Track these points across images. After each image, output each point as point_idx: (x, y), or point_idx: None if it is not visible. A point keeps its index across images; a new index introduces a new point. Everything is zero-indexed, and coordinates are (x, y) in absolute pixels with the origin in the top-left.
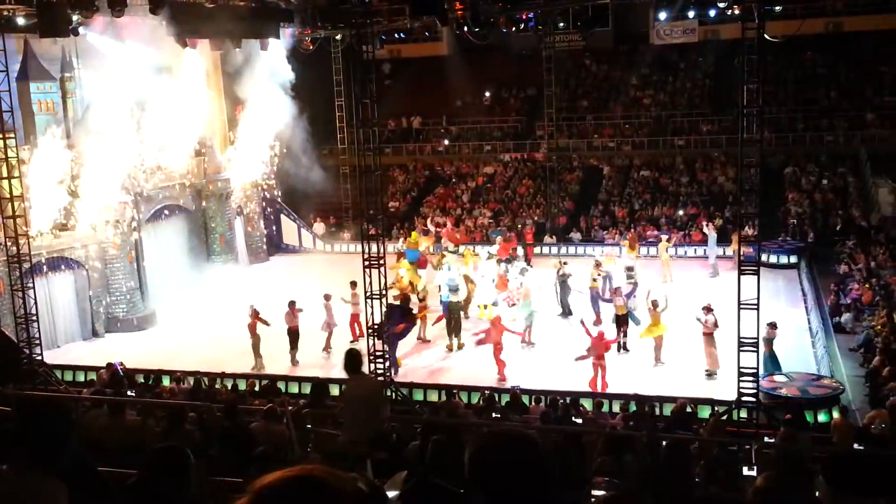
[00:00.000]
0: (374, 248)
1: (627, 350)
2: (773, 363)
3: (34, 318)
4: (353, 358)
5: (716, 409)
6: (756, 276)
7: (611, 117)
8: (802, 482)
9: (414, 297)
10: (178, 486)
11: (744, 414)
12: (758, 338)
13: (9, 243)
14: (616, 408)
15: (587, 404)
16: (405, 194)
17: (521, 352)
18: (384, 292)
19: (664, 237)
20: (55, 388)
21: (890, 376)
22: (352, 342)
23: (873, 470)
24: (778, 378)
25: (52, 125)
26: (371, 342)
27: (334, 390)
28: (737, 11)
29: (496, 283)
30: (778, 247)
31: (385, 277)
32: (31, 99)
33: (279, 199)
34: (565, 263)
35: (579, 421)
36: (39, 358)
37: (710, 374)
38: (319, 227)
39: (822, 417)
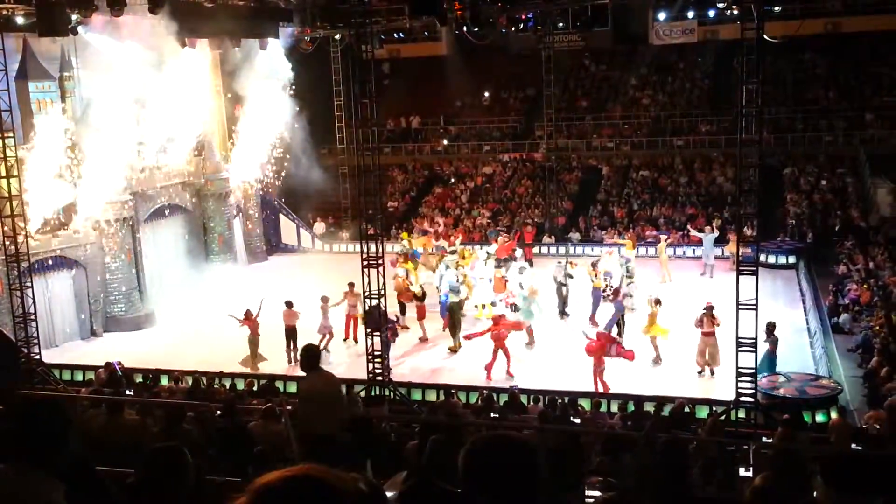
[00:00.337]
0: (372, 247)
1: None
2: (770, 364)
3: (33, 317)
4: (310, 355)
5: (714, 409)
6: (754, 277)
7: (610, 117)
8: (800, 482)
9: (416, 290)
10: (176, 485)
11: (742, 414)
12: (756, 338)
13: (7, 242)
14: (614, 408)
15: (585, 404)
16: (404, 194)
17: (520, 352)
18: (383, 292)
19: (663, 237)
20: (53, 388)
21: (888, 377)
22: (344, 340)
23: (871, 470)
24: (776, 378)
25: (51, 123)
26: (369, 342)
27: None
28: (736, 12)
29: (493, 283)
30: (776, 247)
31: (384, 277)
32: (29, 98)
33: (278, 199)
34: (574, 265)
35: (577, 421)
36: (38, 357)
37: (701, 372)
38: (320, 226)
39: (820, 418)
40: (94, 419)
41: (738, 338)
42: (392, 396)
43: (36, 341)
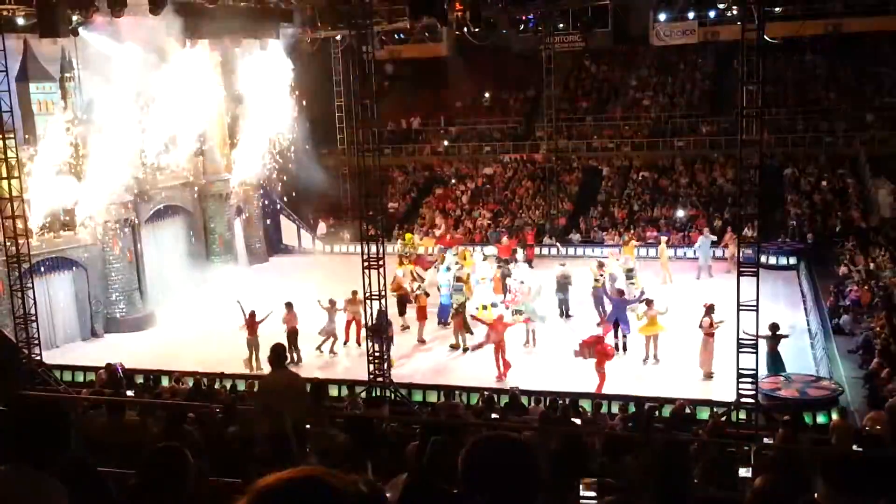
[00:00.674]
0: (373, 248)
1: (626, 350)
2: (775, 365)
3: (33, 318)
4: (276, 353)
5: (715, 410)
6: (755, 278)
7: (610, 118)
8: (801, 483)
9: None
10: (177, 486)
11: (743, 415)
12: (757, 339)
13: (8, 243)
14: (615, 409)
15: (586, 405)
16: (405, 195)
17: (520, 353)
18: (383, 293)
19: (663, 238)
20: (54, 389)
21: (889, 378)
22: (345, 344)
23: (872, 471)
24: (777, 379)
25: (52, 124)
26: (368, 344)
27: (333, 391)
28: (736, 12)
29: (493, 284)
30: (777, 248)
31: (384, 279)
32: (30, 99)
33: (279, 200)
34: (563, 265)
35: (578, 422)
36: (38, 358)
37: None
38: (322, 227)
39: (821, 419)
40: (94, 420)
41: (738, 339)
42: (393, 398)
43: (37, 342)
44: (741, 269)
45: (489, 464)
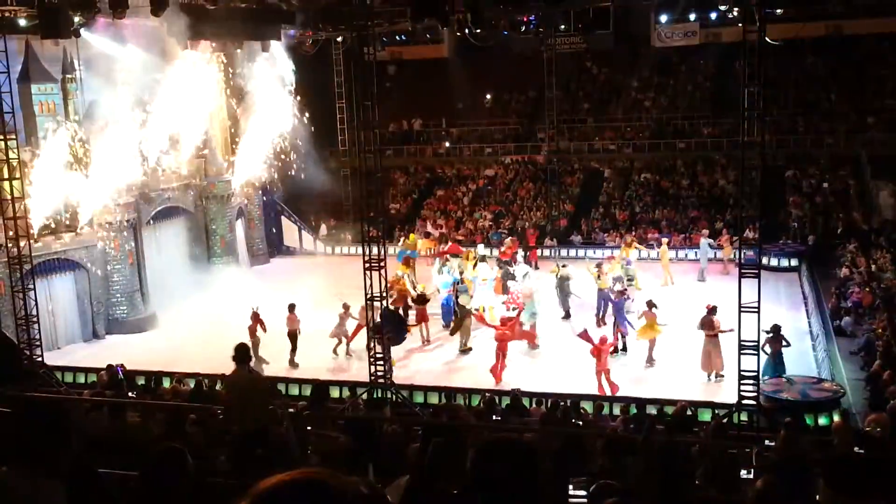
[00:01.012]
0: (374, 250)
1: (626, 351)
2: (776, 366)
3: (35, 319)
4: (239, 351)
5: (716, 412)
6: (757, 280)
7: (611, 120)
8: (803, 485)
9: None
10: (177, 486)
11: (744, 417)
12: (758, 341)
13: (9, 244)
14: (616, 410)
15: (588, 407)
16: (406, 196)
17: (522, 354)
18: (384, 295)
19: (664, 240)
20: (55, 390)
21: (890, 380)
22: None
23: (874, 473)
24: (779, 381)
25: (54, 126)
26: (370, 345)
27: (334, 392)
28: (737, 14)
29: (494, 284)
30: (779, 250)
31: (385, 280)
32: (32, 100)
33: (280, 201)
34: (564, 266)
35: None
36: (40, 359)
37: (711, 377)
38: (323, 228)
39: (822, 421)
40: (96, 421)
41: (740, 341)
42: (394, 399)
43: (38, 343)
44: (742, 271)
45: (497, 466)
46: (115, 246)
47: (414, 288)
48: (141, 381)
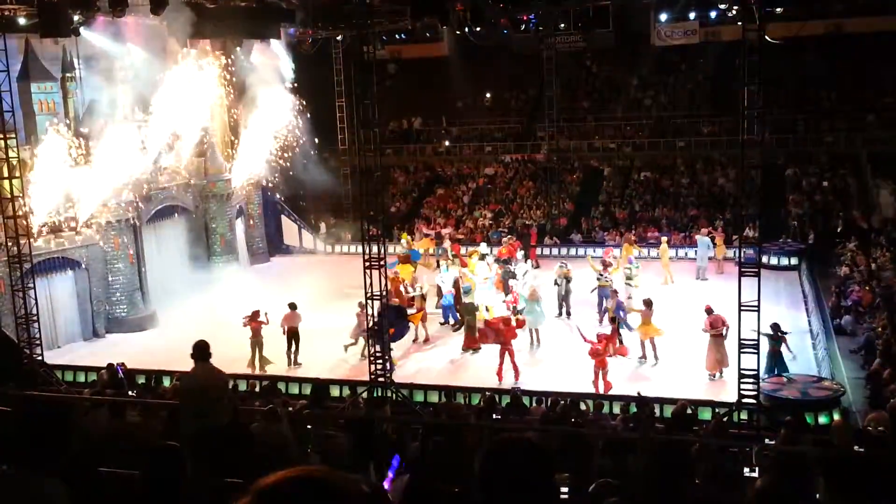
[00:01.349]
0: (374, 249)
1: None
2: (777, 365)
3: (35, 318)
4: (199, 348)
5: (717, 410)
6: (757, 278)
7: (611, 118)
8: (803, 484)
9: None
10: (174, 485)
11: (744, 416)
12: (758, 340)
13: (9, 243)
14: (616, 409)
15: (588, 406)
16: (406, 195)
17: (522, 354)
18: (384, 293)
19: (664, 238)
20: (56, 389)
21: (890, 378)
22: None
23: (874, 472)
24: (779, 380)
25: (54, 124)
26: (369, 344)
27: (335, 391)
28: (736, 12)
29: (494, 284)
30: (779, 248)
31: (385, 279)
32: (31, 99)
33: (280, 200)
34: (563, 265)
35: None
36: (40, 358)
37: (716, 376)
38: (323, 227)
39: (822, 419)
40: (96, 420)
41: (740, 339)
42: (394, 398)
43: (38, 342)
44: (742, 270)
45: (509, 468)
46: (115, 245)
47: (409, 289)
48: (141, 379)
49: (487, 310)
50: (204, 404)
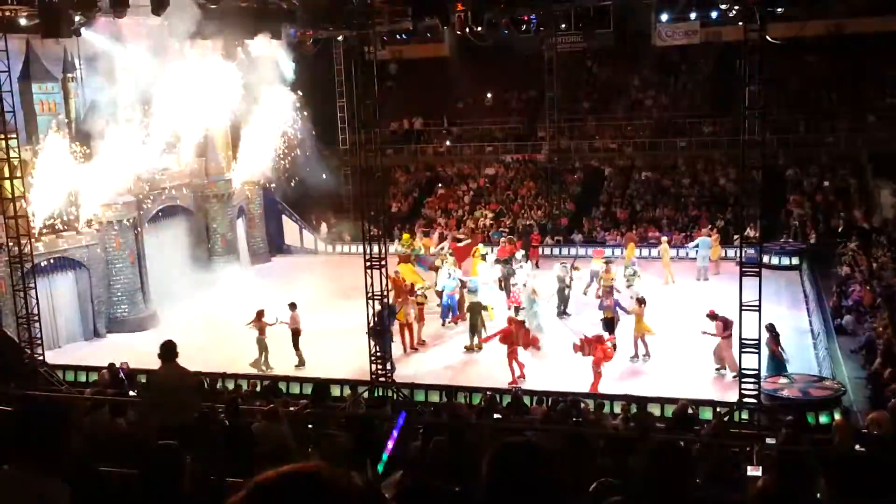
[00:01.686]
0: (375, 248)
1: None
2: (776, 365)
3: (36, 318)
4: (165, 348)
5: (717, 410)
6: (757, 278)
7: (612, 119)
8: (804, 484)
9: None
10: (172, 484)
11: (745, 415)
12: (759, 339)
13: (10, 243)
14: (617, 409)
15: (588, 405)
16: (407, 195)
17: (522, 354)
18: (385, 293)
19: (664, 238)
20: (56, 389)
21: (891, 378)
22: (405, 352)
23: (875, 472)
24: (779, 380)
25: (55, 125)
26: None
27: (335, 391)
28: (736, 11)
29: (495, 285)
30: (780, 248)
31: (386, 278)
32: (32, 99)
33: (281, 200)
34: (564, 264)
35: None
36: (41, 358)
37: (724, 371)
38: (324, 227)
39: (823, 419)
40: (97, 420)
41: (741, 339)
42: (395, 398)
43: (39, 342)
44: (743, 270)
45: (516, 472)
46: (116, 245)
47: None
48: (142, 379)
49: (486, 309)
50: (173, 402)
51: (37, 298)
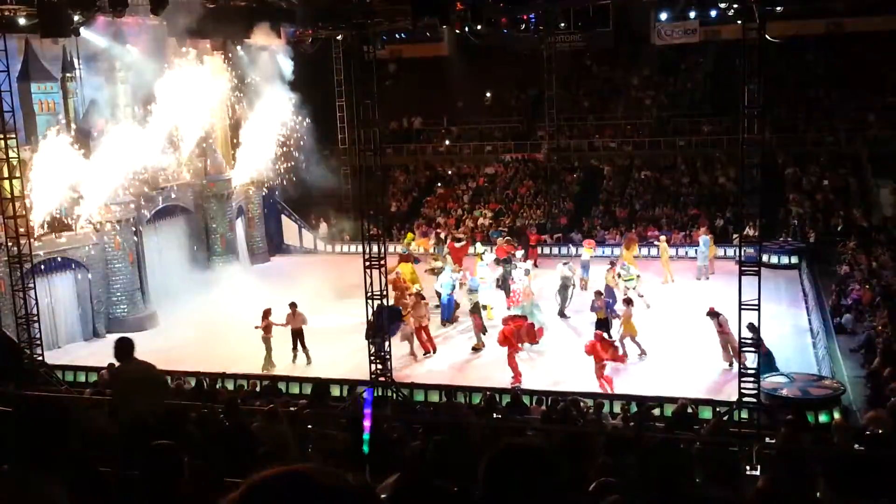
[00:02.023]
0: (374, 248)
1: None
2: (769, 364)
3: (35, 318)
4: (119, 346)
5: (717, 409)
6: (757, 277)
7: (612, 118)
8: (803, 483)
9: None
10: (171, 483)
11: (745, 415)
12: (758, 339)
13: (10, 243)
14: (616, 408)
15: (588, 405)
16: (406, 195)
17: (521, 353)
18: (384, 293)
19: (663, 237)
20: (56, 389)
21: (891, 377)
22: (425, 355)
23: (874, 471)
24: (779, 379)
25: (54, 124)
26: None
27: (335, 391)
28: (735, 10)
29: (493, 285)
30: (779, 247)
31: (385, 278)
32: (31, 99)
33: (280, 200)
34: (566, 264)
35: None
36: (40, 358)
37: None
38: (323, 227)
39: (823, 418)
40: (96, 420)
41: (740, 338)
42: (394, 397)
43: (38, 342)
44: (743, 269)
45: (514, 472)
46: (116, 245)
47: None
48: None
49: (485, 308)
50: (139, 397)
51: (36, 298)
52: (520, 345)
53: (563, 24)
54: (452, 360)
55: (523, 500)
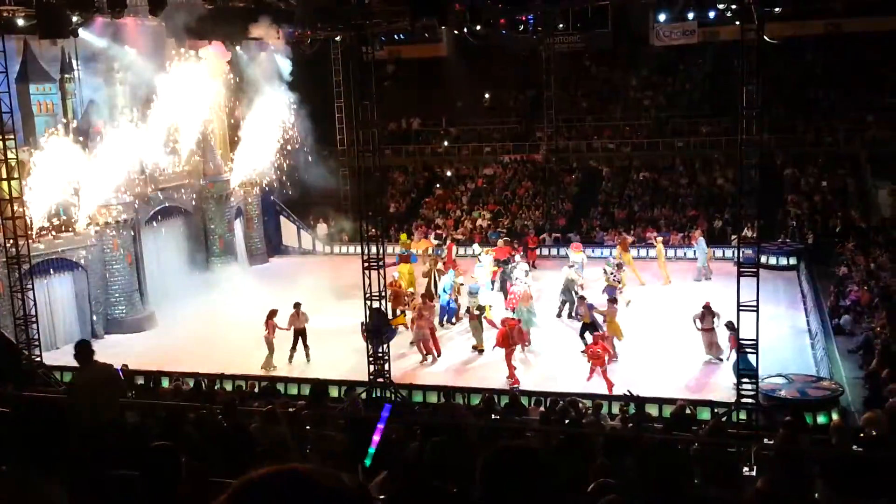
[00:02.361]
0: (373, 249)
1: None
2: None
3: (33, 319)
4: (79, 350)
5: (715, 410)
6: (755, 278)
7: (610, 119)
8: (802, 484)
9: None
10: (169, 484)
11: (743, 416)
12: (757, 340)
13: (8, 244)
14: (615, 409)
15: (586, 405)
16: (405, 195)
17: (520, 354)
18: (383, 294)
19: (659, 239)
20: (54, 390)
21: (889, 378)
22: (437, 355)
23: (872, 472)
24: (777, 379)
25: (52, 125)
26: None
27: (333, 392)
28: (733, 10)
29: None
30: (777, 248)
31: (384, 279)
32: (30, 100)
33: (279, 201)
34: (571, 266)
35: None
36: (39, 359)
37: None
38: (322, 228)
39: (821, 419)
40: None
41: (739, 339)
42: (393, 398)
43: (37, 343)
44: (741, 270)
45: (511, 474)
46: (114, 246)
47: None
48: (140, 380)
49: (482, 309)
50: (100, 400)
51: (34, 299)
52: (514, 346)
53: (561, 25)
54: (451, 362)
55: (521, 500)
